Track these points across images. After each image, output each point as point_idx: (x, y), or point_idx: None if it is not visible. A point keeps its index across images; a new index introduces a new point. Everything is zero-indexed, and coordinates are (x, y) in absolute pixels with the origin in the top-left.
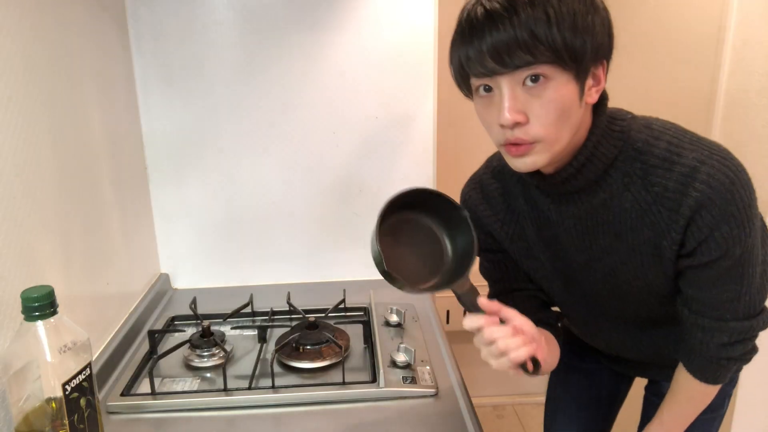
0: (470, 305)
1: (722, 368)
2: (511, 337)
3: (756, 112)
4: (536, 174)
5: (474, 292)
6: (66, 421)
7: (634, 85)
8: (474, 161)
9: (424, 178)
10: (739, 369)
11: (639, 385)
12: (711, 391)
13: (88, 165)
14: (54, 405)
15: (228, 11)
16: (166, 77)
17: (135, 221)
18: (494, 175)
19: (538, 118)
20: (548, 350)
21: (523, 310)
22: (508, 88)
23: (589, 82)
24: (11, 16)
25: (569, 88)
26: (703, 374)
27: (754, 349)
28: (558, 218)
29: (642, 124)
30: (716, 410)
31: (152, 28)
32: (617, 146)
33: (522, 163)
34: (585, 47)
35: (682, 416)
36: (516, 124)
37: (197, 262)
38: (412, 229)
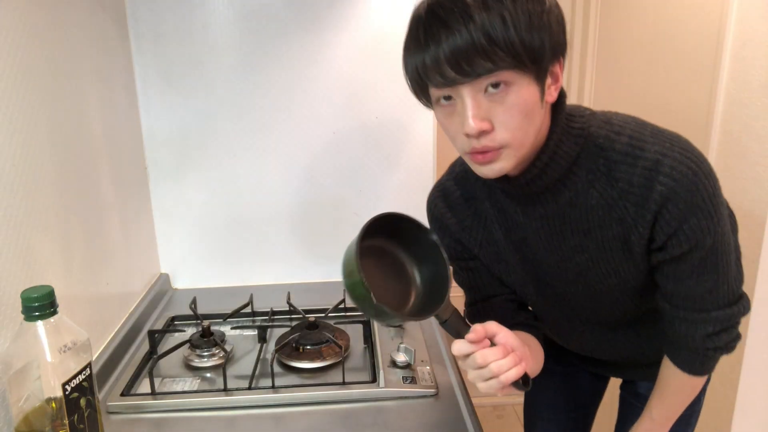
0: (456, 332)
1: (709, 359)
2: (502, 359)
3: (756, 112)
4: (501, 177)
5: (458, 317)
6: (66, 421)
7: (633, 85)
8: None
9: (425, 178)
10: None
11: (615, 384)
12: (698, 383)
13: (88, 165)
14: (54, 405)
15: (228, 11)
16: (166, 77)
17: (135, 221)
18: (457, 181)
19: (503, 123)
20: (533, 356)
21: (501, 315)
22: (470, 97)
23: (548, 81)
24: (11, 16)
25: (531, 91)
26: (691, 366)
27: (738, 337)
28: (525, 220)
29: (602, 119)
30: (693, 406)
31: (152, 28)
32: (579, 143)
33: (489, 170)
34: (543, 46)
35: (671, 410)
36: (481, 133)
37: (197, 262)
38: (380, 256)
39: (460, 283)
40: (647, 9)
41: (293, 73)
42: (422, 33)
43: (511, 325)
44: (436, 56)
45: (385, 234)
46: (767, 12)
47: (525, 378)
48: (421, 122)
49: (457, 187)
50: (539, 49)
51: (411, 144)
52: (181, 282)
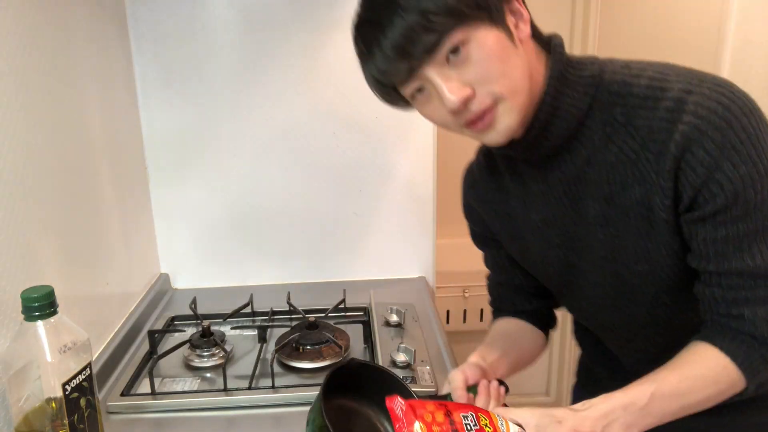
0: None
1: None
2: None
3: None
4: (510, 144)
5: None
6: (66, 421)
7: None
8: None
9: (425, 178)
10: None
11: None
12: (737, 383)
13: (88, 165)
14: (54, 405)
15: (228, 11)
16: (166, 77)
17: (135, 221)
18: (484, 154)
19: (482, 81)
20: (514, 357)
21: (512, 300)
22: (435, 74)
23: (511, 20)
24: (11, 16)
25: (492, 36)
26: (745, 358)
27: None
28: (545, 188)
29: (620, 64)
30: None
31: (152, 28)
32: (588, 93)
33: (496, 134)
34: None
35: (682, 384)
36: (466, 100)
37: (197, 262)
38: (344, 416)
39: (485, 264)
40: (647, 10)
41: (293, 73)
42: (362, 43)
43: (517, 313)
44: (384, 56)
45: (345, 388)
46: (767, 12)
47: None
48: (421, 122)
49: (483, 159)
50: None
51: (411, 144)
52: (181, 282)
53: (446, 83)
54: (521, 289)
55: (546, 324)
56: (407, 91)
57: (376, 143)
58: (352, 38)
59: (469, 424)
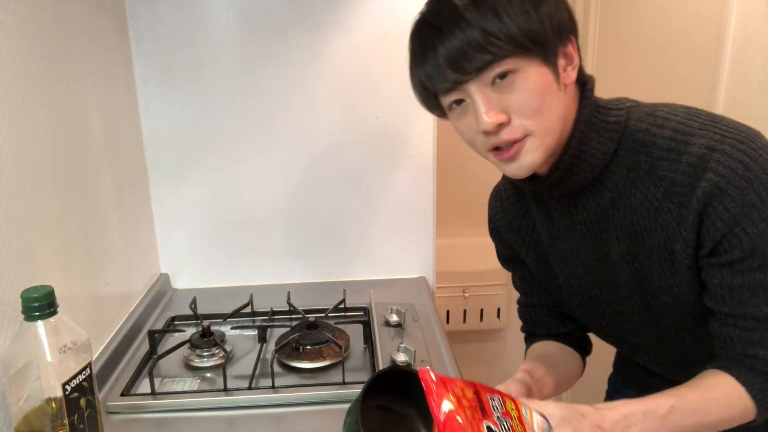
0: None
1: None
2: None
3: (756, 111)
4: (532, 178)
5: None
6: (66, 421)
7: (633, 86)
8: (474, 160)
9: (425, 178)
10: None
11: None
12: (748, 411)
13: (88, 165)
14: (54, 405)
15: (228, 11)
16: (166, 77)
17: (135, 221)
18: (511, 179)
19: (519, 110)
20: (556, 378)
21: (546, 324)
22: (478, 93)
23: (562, 62)
24: (10, 16)
25: (541, 73)
26: (760, 391)
27: None
28: (570, 224)
29: (645, 111)
30: None
31: (152, 28)
32: (614, 139)
33: (518, 167)
34: (544, 28)
35: (700, 403)
36: (499, 126)
37: (197, 262)
38: (384, 414)
39: (513, 285)
40: (647, 10)
41: (293, 72)
42: (419, 45)
43: (551, 336)
44: (436, 63)
45: (389, 390)
46: (767, 12)
47: None
48: (421, 122)
49: (510, 185)
50: (539, 31)
51: (411, 144)
52: (181, 282)
53: (486, 104)
54: (553, 311)
55: (581, 347)
56: (446, 100)
57: (376, 143)
58: (410, 34)
59: (496, 406)
